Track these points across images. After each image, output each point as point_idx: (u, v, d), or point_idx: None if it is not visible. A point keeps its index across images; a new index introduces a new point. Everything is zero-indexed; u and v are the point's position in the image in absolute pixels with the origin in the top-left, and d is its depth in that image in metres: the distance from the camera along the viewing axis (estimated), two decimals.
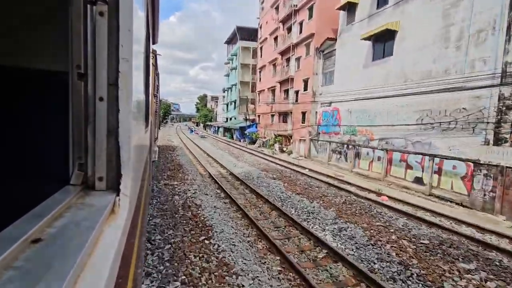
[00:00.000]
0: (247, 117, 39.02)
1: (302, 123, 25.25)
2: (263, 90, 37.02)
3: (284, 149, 28.02)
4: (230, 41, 60.63)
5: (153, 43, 4.55)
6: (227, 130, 50.67)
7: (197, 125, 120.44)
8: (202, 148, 28.25)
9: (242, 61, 50.54)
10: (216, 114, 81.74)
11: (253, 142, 36.11)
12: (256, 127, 38.85)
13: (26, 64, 1.81)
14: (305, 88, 25.10)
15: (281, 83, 30.40)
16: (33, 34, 1.81)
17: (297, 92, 26.69)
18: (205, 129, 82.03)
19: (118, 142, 0.93)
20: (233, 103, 55.43)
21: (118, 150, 0.93)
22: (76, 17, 0.86)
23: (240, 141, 39.78)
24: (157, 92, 9.66)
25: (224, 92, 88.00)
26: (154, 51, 7.28)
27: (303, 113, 25.22)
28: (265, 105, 35.64)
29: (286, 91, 29.70)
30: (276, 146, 29.32)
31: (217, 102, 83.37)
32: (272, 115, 33.70)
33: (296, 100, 26.68)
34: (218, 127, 58.07)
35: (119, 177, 0.94)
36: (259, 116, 39.14)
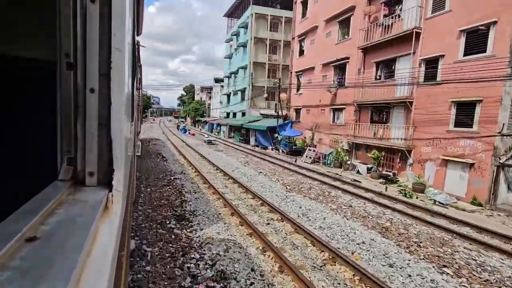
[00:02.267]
0: (280, 113, 24.93)
1: (431, 125, 11.79)
2: (309, 69, 23.19)
3: (386, 174, 14.49)
4: (233, 12, 46.08)
5: (137, 34, 4.35)
6: (235, 129, 36.32)
7: (184, 120, 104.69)
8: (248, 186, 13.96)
9: (255, 34, 36.37)
10: (209, 107, 66.83)
11: (292, 151, 22.34)
12: (291, 126, 25.11)
13: (10, 52, 1.68)
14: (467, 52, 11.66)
15: (373, 49, 16.66)
16: (19, 20, 1.64)
17: (431, 61, 13.17)
18: (195, 126, 66.96)
19: (110, 136, 0.89)
20: (239, 93, 41.16)
21: (110, 144, 0.89)
22: (65, 3, 0.83)
23: (266, 149, 25.72)
24: (139, 85, 9.28)
25: (217, 82, 73.42)
26: (137, 42, 6.68)
27: (459, 105, 11.78)
28: (314, 92, 21.85)
29: (385, 65, 16.10)
30: (363, 167, 15.70)
31: (209, 93, 68.35)
32: (336, 109, 20.03)
33: (429, 79, 13.18)
34: (218, 125, 43.56)
35: (111, 172, 0.90)
36: (297, 111, 25.36)
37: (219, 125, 42.68)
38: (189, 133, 39.37)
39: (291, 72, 26.74)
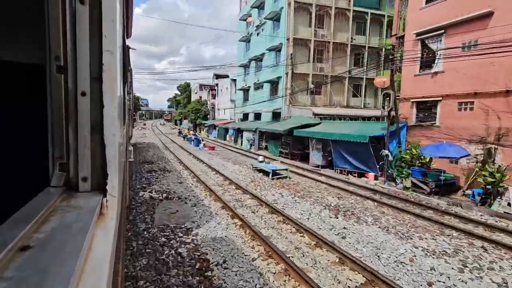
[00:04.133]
0: (394, 114, 13.35)
1: None
2: (468, 21, 11.87)
3: None
4: None
5: (127, 37, 4.22)
6: (267, 136, 24.59)
7: (175, 124, 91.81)
8: None
9: None
10: (213, 108, 54.92)
11: (438, 187, 10.94)
12: (405, 136, 13.80)
13: None
14: None
15: None
16: (5, 23, 1.55)
17: None
18: (197, 130, 54.96)
19: (103, 140, 0.88)
20: (266, 85, 29.61)
21: (103, 148, 0.88)
22: (54, 4, 0.81)
23: (362, 175, 14.13)
24: (130, 89, 8.86)
25: (218, 78, 61.54)
26: (127, 45, 6.36)
27: None
28: (481, 67, 10.55)
29: None
30: None
31: (212, 91, 56.45)
32: None
33: None
34: (236, 131, 31.81)
35: (105, 177, 0.89)
36: (422, 106, 14.02)
37: (239, 130, 30.93)
38: (204, 146, 25.58)
39: (397, 37, 15.24)
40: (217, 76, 66.71)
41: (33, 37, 1.39)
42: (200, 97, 63.28)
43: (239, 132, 31.37)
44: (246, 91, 36.07)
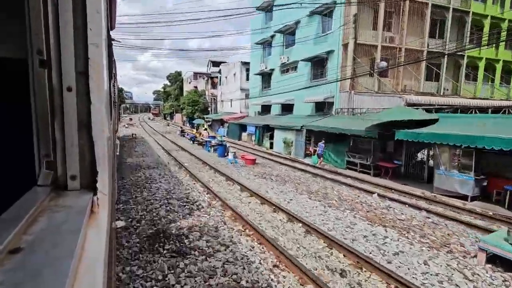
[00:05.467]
0: None
1: None
2: None
3: None
4: None
5: (111, 29, 4.00)
6: (325, 138, 16.52)
7: (165, 118, 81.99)
8: None
9: None
10: (213, 99, 46.25)
11: None
12: None
13: None
14: None
15: None
16: None
17: None
18: (193, 127, 46.32)
19: (92, 137, 0.86)
20: (305, 65, 21.49)
21: (91, 145, 0.86)
22: None
23: None
24: (115, 82, 8.96)
25: (214, 65, 52.77)
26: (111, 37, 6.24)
27: None
28: None
29: None
30: None
31: (212, 80, 47.63)
32: None
33: None
34: (262, 129, 23.57)
35: (95, 174, 0.87)
36: None
37: (267, 128, 22.65)
38: (240, 158, 15.81)
39: None
40: (214, 64, 58.13)
41: (13, 31, 1.23)
42: (195, 87, 54.10)
43: (266, 130, 23.15)
44: (266, 76, 27.76)
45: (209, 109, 46.16)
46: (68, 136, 0.83)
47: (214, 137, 19.77)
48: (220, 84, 42.63)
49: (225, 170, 12.85)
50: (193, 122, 37.94)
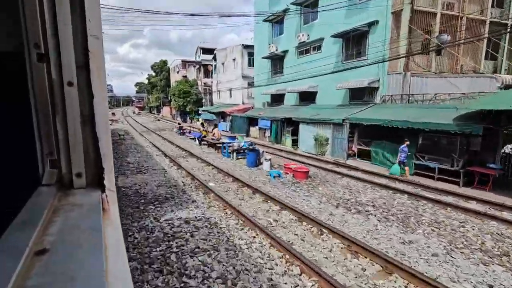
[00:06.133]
0: None
1: None
2: None
3: None
4: None
5: None
6: (383, 136, 12.69)
7: (150, 111, 75.99)
8: None
9: None
10: (207, 90, 41.49)
11: None
12: None
13: None
14: None
15: None
16: None
17: None
18: (185, 120, 41.50)
19: (96, 132, 0.83)
20: (333, 43, 17.37)
21: (96, 141, 0.83)
22: None
23: None
24: None
25: (205, 53, 47.81)
26: None
27: None
28: None
29: None
30: None
31: (203, 68, 42.67)
32: None
33: None
34: (282, 123, 19.48)
35: (101, 171, 0.84)
36: None
37: (289, 122, 18.47)
38: (284, 170, 11.13)
39: None
40: (204, 50, 52.92)
41: (8, 25, 1.14)
42: (185, 76, 48.79)
43: (286, 124, 19.00)
44: (277, 59, 23.45)
45: (203, 100, 41.39)
46: (71, 133, 0.80)
47: (234, 138, 15.08)
48: (215, 72, 37.86)
49: (277, 193, 8.63)
50: (198, 116, 32.85)
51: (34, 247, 0.52)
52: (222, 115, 29.95)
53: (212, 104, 38.80)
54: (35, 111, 0.79)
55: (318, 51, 18.89)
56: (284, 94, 22.71)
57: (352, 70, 15.83)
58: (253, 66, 29.66)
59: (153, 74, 71.90)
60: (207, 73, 42.33)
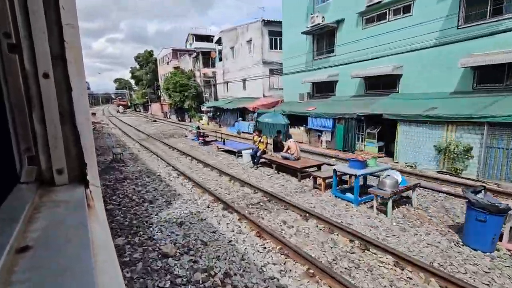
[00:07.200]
0: None
1: None
2: None
3: None
4: None
5: None
6: None
7: (135, 110, 67.74)
8: None
9: None
10: (208, 82, 34.73)
11: None
12: None
13: None
14: None
15: None
16: None
17: None
18: (184, 119, 34.74)
19: (76, 126, 0.80)
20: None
21: (77, 135, 0.80)
22: None
23: None
24: None
25: (199, 40, 41.06)
26: None
27: None
28: None
29: None
30: None
31: (203, 56, 35.66)
32: None
33: None
34: (362, 122, 13.49)
35: (84, 167, 0.81)
36: None
37: (358, 122, 12.41)
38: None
39: None
40: (197, 38, 45.77)
41: None
42: (177, 67, 41.39)
43: (366, 124, 12.92)
44: (324, 34, 17.22)
45: (205, 95, 34.64)
46: (50, 128, 0.77)
47: (359, 162, 7.17)
48: (220, 60, 31.14)
49: None
50: (201, 115, 26.06)
51: (16, 244, 0.50)
52: (240, 112, 23.56)
53: (216, 99, 32.21)
54: (9, 105, 0.74)
55: (405, 14, 12.89)
56: (335, 82, 16.67)
57: (481, 38, 10.01)
58: (276, 48, 23.34)
59: (137, 67, 63.65)
60: (208, 62, 35.47)
